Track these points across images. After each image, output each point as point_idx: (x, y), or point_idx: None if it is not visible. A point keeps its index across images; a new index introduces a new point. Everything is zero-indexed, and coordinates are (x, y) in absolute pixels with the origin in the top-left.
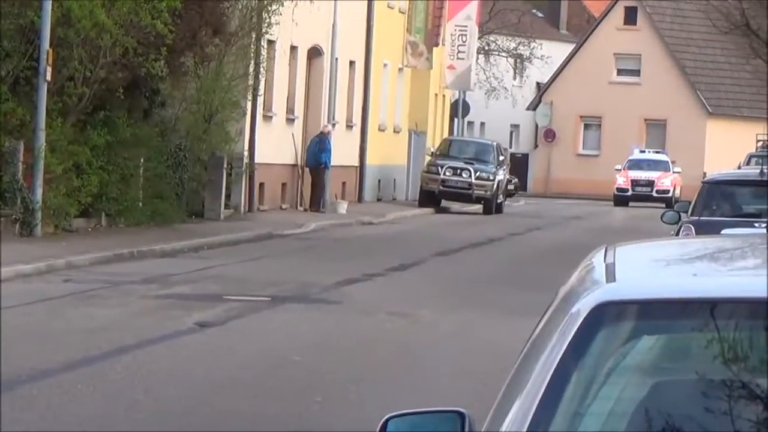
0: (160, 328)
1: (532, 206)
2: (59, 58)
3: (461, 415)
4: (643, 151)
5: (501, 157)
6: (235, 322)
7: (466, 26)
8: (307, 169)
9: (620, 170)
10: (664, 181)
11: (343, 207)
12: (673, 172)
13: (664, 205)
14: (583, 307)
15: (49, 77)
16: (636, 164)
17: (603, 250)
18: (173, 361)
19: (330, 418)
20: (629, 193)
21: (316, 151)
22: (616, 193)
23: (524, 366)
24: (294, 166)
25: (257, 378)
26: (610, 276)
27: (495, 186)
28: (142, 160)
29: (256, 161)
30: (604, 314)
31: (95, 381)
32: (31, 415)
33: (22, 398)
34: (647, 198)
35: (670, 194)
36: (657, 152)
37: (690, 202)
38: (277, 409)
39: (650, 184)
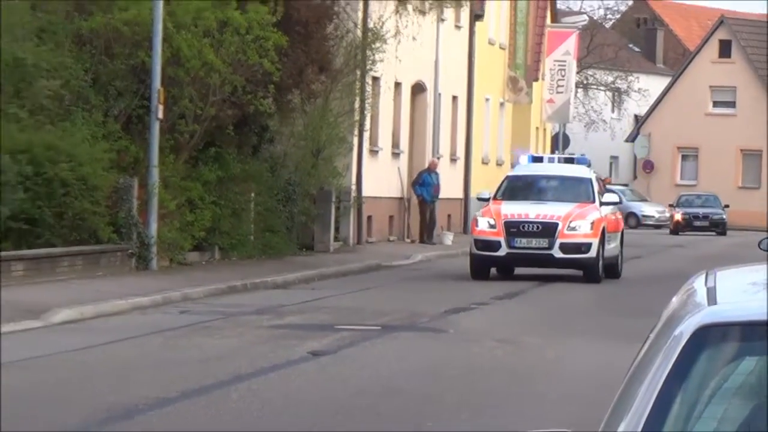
0: (274, 357)
1: (633, 236)
2: (170, 97)
3: None
4: (539, 159)
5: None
6: (347, 351)
7: (565, 61)
8: (415, 202)
9: (487, 201)
10: (578, 223)
11: (449, 238)
12: (602, 204)
13: (582, 274)
14: (686, 329)
15: (161, 115)
16: (519, 189)
17: (704, 275)
18: (287, 389)
19: None
20: (502, 251)
21: (417, 185)
22: (473, 251)
23: (630, 388)
24: (400, 199)
25: (369, 405)
26: (712, 299)
27: None
28: (252, 195)
29: (363, 195)
30: (706, 336)
31: (212, 409)
32: None
33: (141, 425)
34: (541, 261)
35: (594, 252)
36: (569, 158)
37: None
38: None
39: (547, 231)
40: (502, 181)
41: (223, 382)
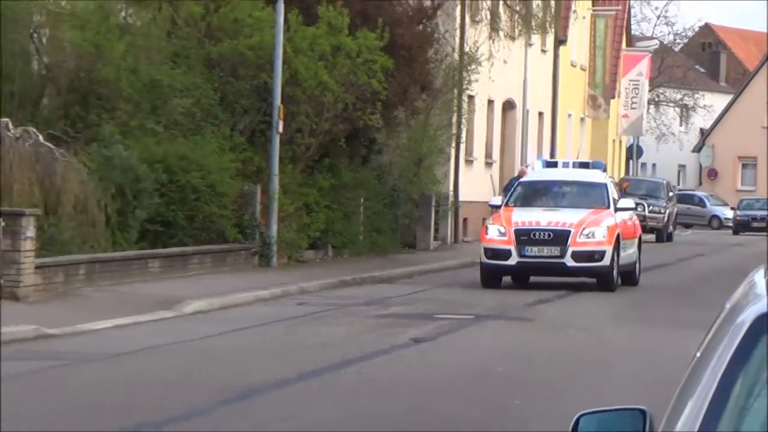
0: (380, 343)
1: (698, 235)
2: (289, 113)
3: (643, 412)
4: (553, 164)
5: (670, 194)
6: (445, 338)
7: (638, 80)
8: None
9: (498, 208)
10: (592, 230)
11: None
12: (618, 210)
13: (595, 281)
14: (747, 318)
15: (280, 130)
16: (531, 195)
17: (762, 269)
18: (391, 372)
19: (527, 417)
20: (512, 260)
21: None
22: (483, 260)
23: (696, 371)
24: None
25: (465, 385)
26: None
27: (666, 218)
28: (362, 200)
29: (459, 199)
30: (765, 324)
31: (325, 389)
32: (270, 417)
33: (263, 404)
34: (553, 270)
35: (607, 260)
36: (583, 164)
37: None
38: (482, 412)
39: (559, 239)
40: (515, 187)
41: (335, 366)
